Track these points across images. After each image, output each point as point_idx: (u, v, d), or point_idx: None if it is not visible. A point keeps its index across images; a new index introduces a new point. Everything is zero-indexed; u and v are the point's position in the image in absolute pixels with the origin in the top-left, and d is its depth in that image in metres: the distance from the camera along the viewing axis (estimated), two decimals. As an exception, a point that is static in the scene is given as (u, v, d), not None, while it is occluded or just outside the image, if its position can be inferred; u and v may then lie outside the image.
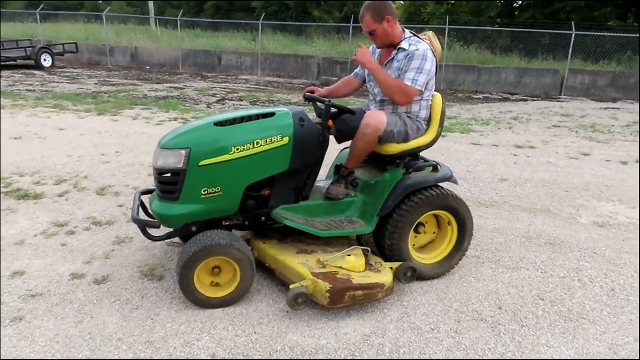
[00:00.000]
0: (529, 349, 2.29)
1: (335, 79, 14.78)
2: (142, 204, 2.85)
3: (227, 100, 10.49)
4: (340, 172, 2.90)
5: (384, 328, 2.41)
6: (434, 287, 2.82)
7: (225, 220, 2.73)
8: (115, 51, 18.69)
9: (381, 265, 2.66)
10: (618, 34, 14.72)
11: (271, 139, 2.55)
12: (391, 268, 2.67)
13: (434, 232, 3.03)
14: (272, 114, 2.63)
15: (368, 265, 2.63)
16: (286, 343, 2.27)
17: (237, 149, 2.49)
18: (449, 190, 2.84)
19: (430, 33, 2.94)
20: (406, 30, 2.85)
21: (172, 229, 2.71)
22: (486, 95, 13.44)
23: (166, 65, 17.88)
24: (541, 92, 13.88)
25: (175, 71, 17.15)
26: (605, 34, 14.65)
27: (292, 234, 2.84)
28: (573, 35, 13.46)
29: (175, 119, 7.81)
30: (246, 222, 2.79)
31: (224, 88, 12.80)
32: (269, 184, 2.72)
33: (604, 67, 14.29)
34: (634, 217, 4.11)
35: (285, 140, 2.58)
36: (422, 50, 2.67)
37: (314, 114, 3.00)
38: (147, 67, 17.76)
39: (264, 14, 18.62)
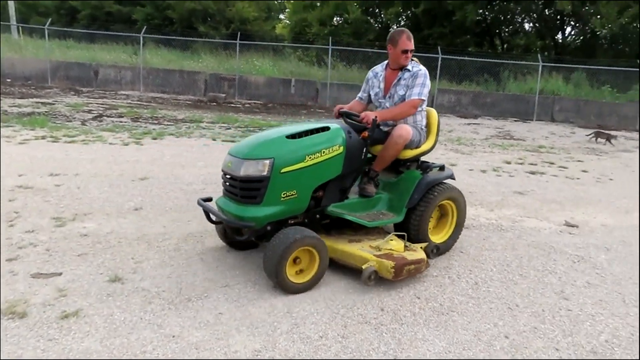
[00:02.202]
0: (407, 345, 2.48)
1: (224, 95, 14.62)
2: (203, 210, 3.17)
3: (105, 117, 9.77)
4: (369, 174, 3.49)
5: (274, 341, 2.43)
6: (322, 295, 2.93)
7: (291, 220, 3.15)
8: (-34, 61, 16.34)
9: (413, 246, 3.26)
10: (477, 59, 16.84)
11: (332, 149, 3.08)
12: (421, 247, 3.29)
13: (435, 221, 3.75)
14: (327, 128, 3.15)
15: (405, 247, 3.19)
16: (172, 369, 2.17)
17: (310, 158, 2.98)
18: (453, 185, 3.68)
19: (415, 60, 3.70)
20: None
21: (248, 231, 2.99)
22: (369, 112, 14.32)
23: (32, 79, 16.11)
24: (416, 109, 15.22)
25: (43, 85, 15.54)
26: (466, 58, 16.65)
27: (333, 228, 3.36)
28: (439, 58, 15.07)
29: (43, 138, 7.07)
30: (305, 220, 3.24)
31: (102, 104, 11.92)
32: (322, 187, 3.18)
33: (466, 88, 16.19)
34: (493, 218, 4.69)
35: (341, 149, 3.13)
36: (423, 70, 3.57)
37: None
38: (9, 80, 15.80)
39: (145, 26, 17.81)
